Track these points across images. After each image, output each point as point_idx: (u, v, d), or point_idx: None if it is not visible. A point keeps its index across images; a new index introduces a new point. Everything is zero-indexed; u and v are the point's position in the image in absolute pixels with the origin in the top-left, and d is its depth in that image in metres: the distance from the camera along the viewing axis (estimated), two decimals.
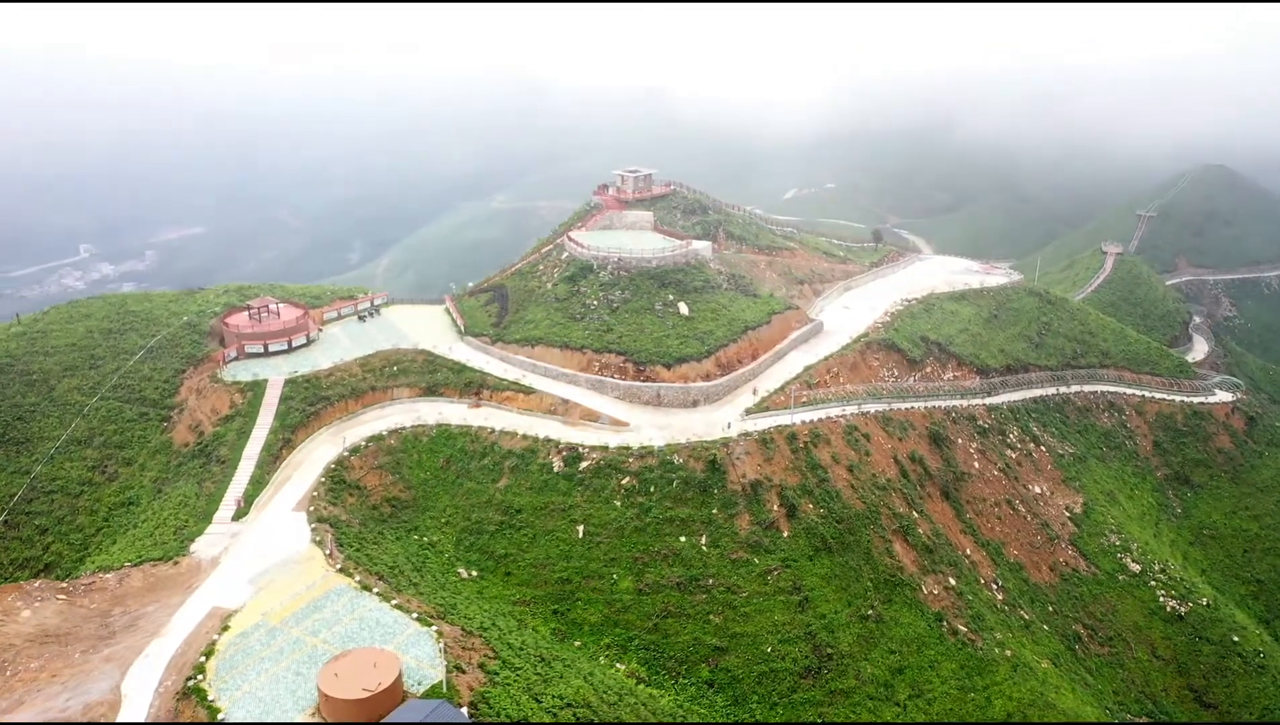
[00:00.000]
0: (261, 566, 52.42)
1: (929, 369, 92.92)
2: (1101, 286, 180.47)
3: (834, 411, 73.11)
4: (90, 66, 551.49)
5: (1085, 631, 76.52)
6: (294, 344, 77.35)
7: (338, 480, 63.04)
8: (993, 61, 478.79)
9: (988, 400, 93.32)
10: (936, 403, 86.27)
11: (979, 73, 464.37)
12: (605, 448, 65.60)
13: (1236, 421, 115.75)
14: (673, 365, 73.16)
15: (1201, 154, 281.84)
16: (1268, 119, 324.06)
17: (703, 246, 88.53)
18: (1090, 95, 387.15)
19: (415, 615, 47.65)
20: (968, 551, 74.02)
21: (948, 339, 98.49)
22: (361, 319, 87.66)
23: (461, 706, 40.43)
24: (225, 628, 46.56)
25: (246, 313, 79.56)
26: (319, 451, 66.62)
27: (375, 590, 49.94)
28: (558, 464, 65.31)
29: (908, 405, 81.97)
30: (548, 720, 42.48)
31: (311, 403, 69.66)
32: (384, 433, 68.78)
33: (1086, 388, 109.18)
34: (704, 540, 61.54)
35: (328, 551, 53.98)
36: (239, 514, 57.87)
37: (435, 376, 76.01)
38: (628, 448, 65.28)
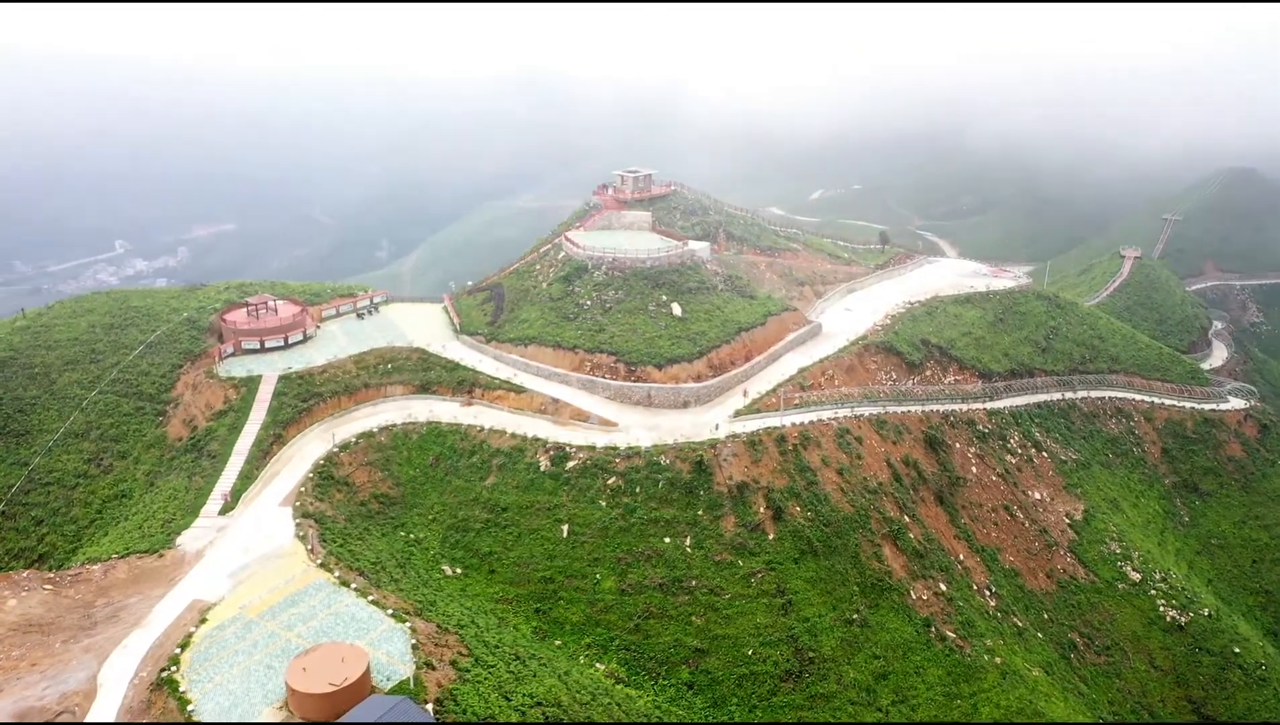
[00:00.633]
0: (243, 560, 52.95)
1: (929, 372, 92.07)
2: (1117, 291, 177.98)
3: (826, 414, 72.64)
4: (127, 69, 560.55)
5: (1081, 640, 75.45)
6: (290, 341, 78.07)
7: (326, 476, 63.52)
8: (1012, 63, 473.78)
9: (988, 404, 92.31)
10: (935, 406, 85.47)
11: (998, 74, 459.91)
12: (592, 447, 65.62)
13: (1249, 429, 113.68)
14: (664, 366, 73.05)
15: (1229, 157, 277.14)
16: None
17: (700, 247, 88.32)
18: (1113, 96, 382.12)
19: (390, 611, 47.92)
20: (961, 557, 73.23)
21: (949, 342, 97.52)
22: (360, 317, 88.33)
23: (427, 703, 40.61)
24: (203, 620, 47.09)
25: (245, 309, 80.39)
26: (310, 447, 67.18)
27: (353, 586, 50.28)
28: (544, 463, 65.42)
29: (904, 409, 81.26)
30: (515, 718, 42.54)
31: (304, 399, 70.25)
32: (375, 429, 69.24)
33: (1094, 393, 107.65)
34: (688, 542, 61.36)
35: (310, 547, 54.43)
36: (225, 508, 58.50)
37: (429, 374, 76.42)
38: (615, 448, 65.25)
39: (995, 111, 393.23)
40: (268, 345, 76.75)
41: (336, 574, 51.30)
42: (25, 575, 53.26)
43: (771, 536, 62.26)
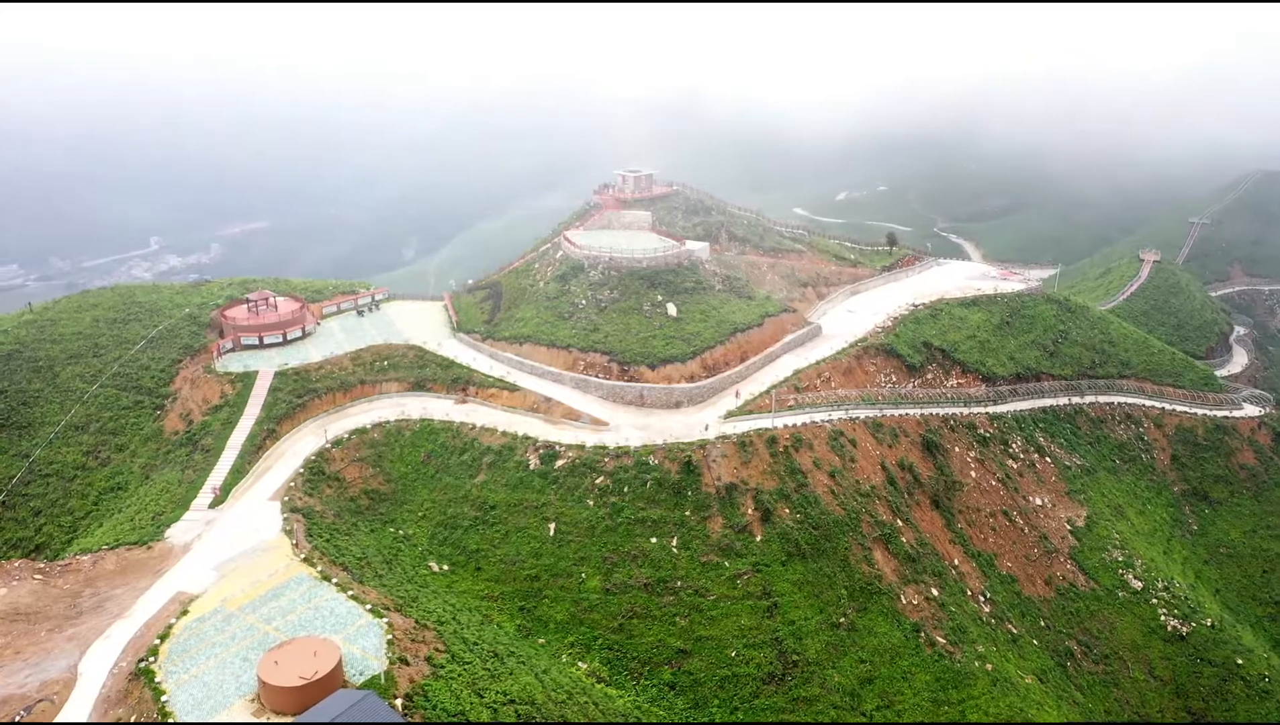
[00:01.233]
0: (229, 553, 53.53)
1: (930, 375, 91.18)
2: (1134, 294, 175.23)
3: (820, 416, 72.14)
4: (164, 69, 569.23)
5: (1079, 648, 74.37)
6: (289, 337, 78.80)
7: (316, 471, 64.03)
8: (1037, 65, 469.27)
9: (991, 408, 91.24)
10: (934, 410, 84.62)
11: (1024, 76, 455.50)
12: (582, 447, 65.65)
13: (1263, 437, 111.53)
14: (657, 366, 72.93)
15: (1259, 160, 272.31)
16: None
17: (699, 247, 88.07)
18: (1140, 99, 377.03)
19: (369, 606, 48.17)
20: (955, 562, 72.44)
21: (952, 345, 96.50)
22: (360, 314, 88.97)
23: (396, 699, 40.77)
24: (184, 612, 47.63)
25: (245, 305, 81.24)
26: (303, 443, 67.78)
27: (334, 580, 50.61)
28: (534, 461, 65.54)
29: (902, 412, 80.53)
30: (487, 715, 42.60)
31: (299, 395, 70.88)
32: (368, 426, 69.73)
33: (1102, 398, 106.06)
34: (675, 542, 61.21)
35: (295, 541, 54.87)
36: (216, 502, 59.17)
37: (424, 372, 76.83)
38: (604, 447, 65.24)
39: (1021, 113, 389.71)
40: (266, 341, 77.54)
41: (319, 568, 51.66)
42: (17, 565, 54.18)
43: (759, 538, 61.94)
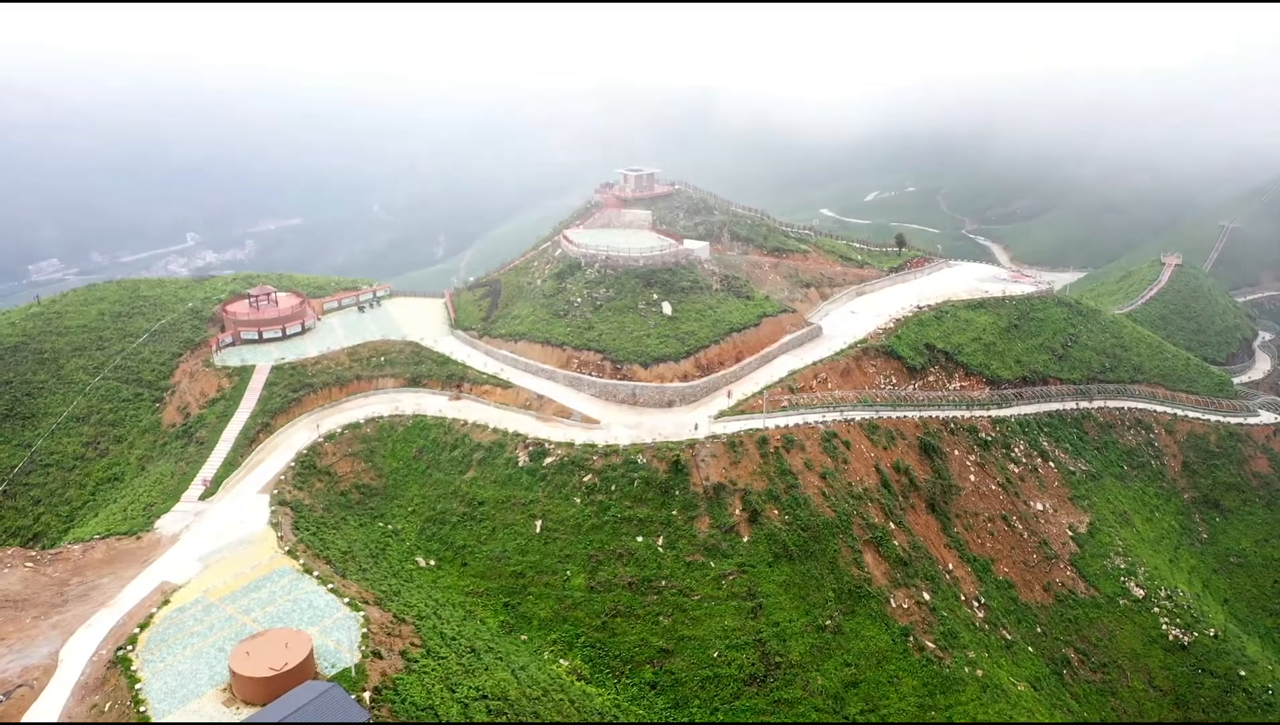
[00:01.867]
0: (215, 545, 54.14)
1: (932, 378, 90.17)
2: (1154, 298, 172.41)
3: (813, 417, 71.58)
4: (202, 69, 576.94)
5: (1076, 656, 73.25)
6: (288, 332, 79.56)
7: (307, 465, 64.57)
8: (1066, 66, 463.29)
9: (994, 412, 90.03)
10: (934, 412, 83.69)
11: (1053, 78, 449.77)
12: (571, 444, 65.65)
13: (1278, 444, 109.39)
14: (650, 365, 72.75)
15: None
16: None
17: (698, 247, 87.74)
18: (1172, 100, 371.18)
19: (347, 600, 48.52)
20: (950, 566, 71.60)
21: (956, 348, 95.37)
22: (361, 310, 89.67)
23: (365, 691, 41.00)
24: (166, 602, 48.28)
25: (246, 300, 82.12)
26: (297, 437, 68.36)
27: (316, 573, 51.02)
28: (523, 458, 65.64)
29: (899, 414, 79.72)
30: (457, 710, 42.72)
31: (295, 389, 71.52)
32: (361, 421, 70.23)
33: (1112, 403, 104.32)
34: (660, 541, 61.04)
35: (281, 534, 55.40)
36: (206, 494, 59.85)
37: (420, 368, 77.23)
38: (593, 445, 65.19)
39: (1041, 114, 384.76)
40: (265, 336, 78.32)
41: (302, 561, 52.12)
42: (10, 553, 55.17)
43: (746, 539, 61.59)
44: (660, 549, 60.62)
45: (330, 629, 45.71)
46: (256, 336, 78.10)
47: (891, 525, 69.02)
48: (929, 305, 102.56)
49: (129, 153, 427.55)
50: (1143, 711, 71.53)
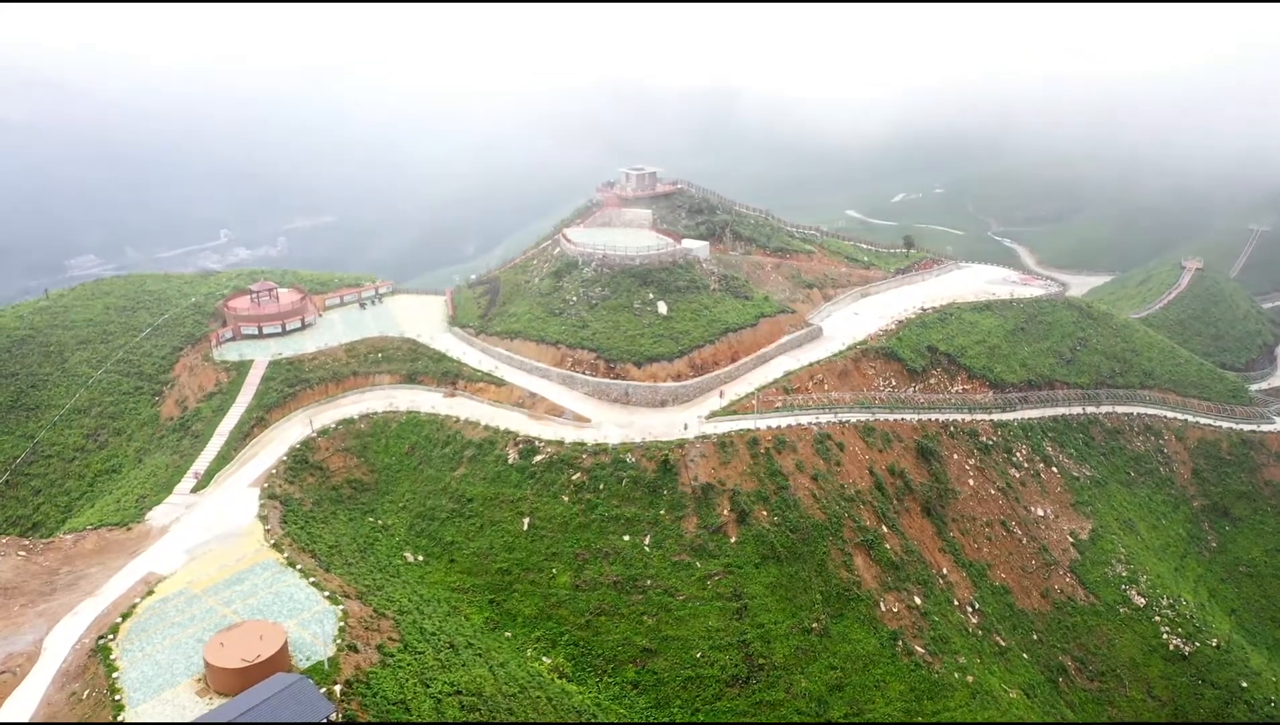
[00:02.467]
0: (203, 537, 54.73)
1: (933, 381, 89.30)
2: (1171, 303, 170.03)
3: (807, 418, 71.13)
4: (250, 71, 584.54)
5: (1073, 664, 72.27)
6: (288, 327, 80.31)
7: (300, 460, 65.12)
8: (1095, 68, 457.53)
9: (996, 416, 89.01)
10: (934, 415, 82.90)
11: (1082, 79, 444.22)
12: (561, 442, 65.73)
13: None
14: (643, 364, 72.65)
15: None
16: None
17: (697, 246, 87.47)
18: (1201, 102, 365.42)
19: (328, 593, 48.78)
20: (944, 571, 70.85)
21: (959, 350, 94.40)
22: (362, 306, 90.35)
23: (336, 685, 41.23)
24: (150, 592, 48.83)
25: (249, 296, 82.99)
26: (291, 432, 68.93)
27: (299, 567, 51.37)
28: (513, 456, 65.80)
29: (897, 416, 79.03)
30: (429, 705, 42.86)
31: (291, 385, 72.16)
32: (355, 417, 70.72)
33: (1120, 408, 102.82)
34: (647, 541, 60.95)
35: (268, 527, 55.88)
36: (198, 487, 60.54)
37: (416, 365, 77.68)
38: (582, 444, 65.23)
39: (1074, 118, 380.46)
40: (265, 331, 79.12)
41: (286, 555, 52.50)
42: (4, 542, 56.09)
43: (733, 539, 61.34)
44: (647, 548, 60.54)
45: (308, 622, 45.98)
46: (256, 332, 78.93)
47: (884, 528, 68.41)
48: (933, 307, 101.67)
49: (168, 151, 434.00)
50: (1139, 721, 70.44)
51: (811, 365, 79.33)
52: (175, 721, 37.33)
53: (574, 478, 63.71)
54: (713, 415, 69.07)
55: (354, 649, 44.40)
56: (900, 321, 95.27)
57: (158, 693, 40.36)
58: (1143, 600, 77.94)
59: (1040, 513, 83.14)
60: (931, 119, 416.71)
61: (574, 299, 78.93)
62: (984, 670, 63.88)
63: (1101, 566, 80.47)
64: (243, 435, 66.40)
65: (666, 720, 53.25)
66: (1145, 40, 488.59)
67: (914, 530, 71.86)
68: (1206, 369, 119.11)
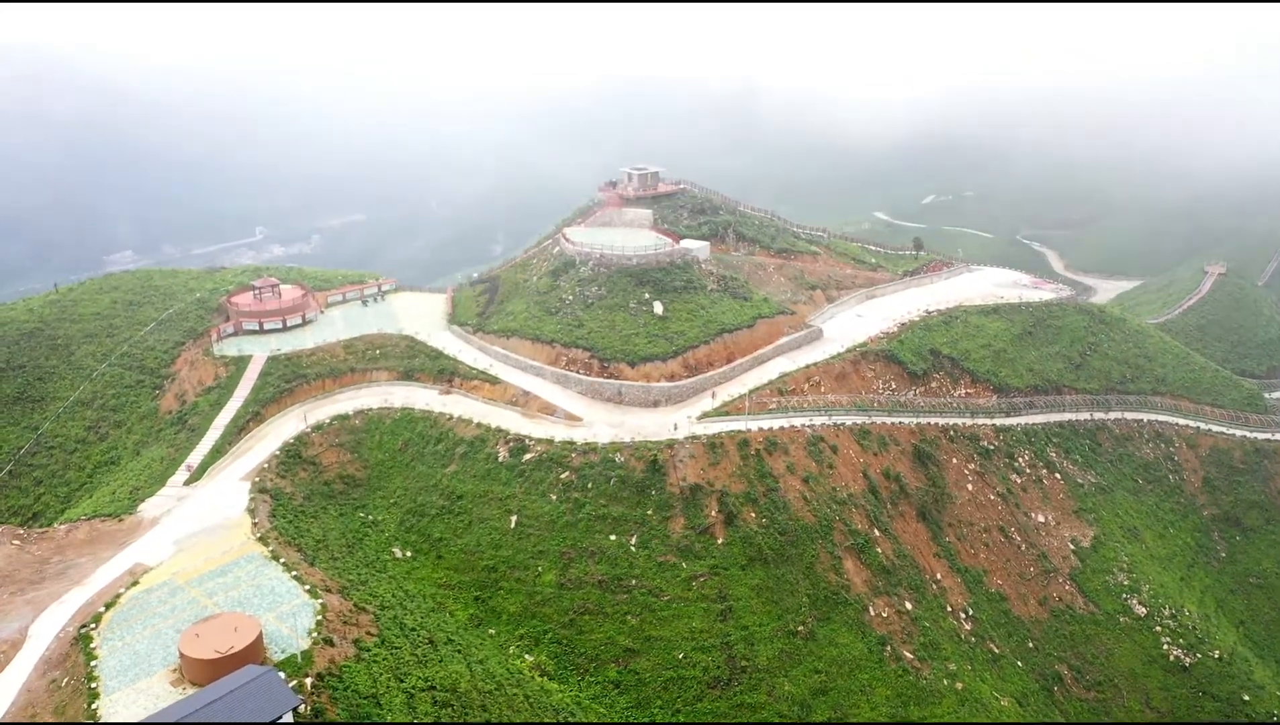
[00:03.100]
0: (192, 529, 55.47)
1: (934, 384, 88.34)
2: (1191, 308, 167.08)
3: (800, 420, 70.69)
4: (276, 70, 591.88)
5: (1070, 673, 71.19)
6: (289, 323, 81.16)
7: (293, 454, 65.76)
8: (1127, 69, 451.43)
9: (998, 420, 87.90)
10: (933, 419, 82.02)
11: (1115, 80, 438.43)
12: (551, 441, 65.84)
13: None
14: (637, 363, 72.56)
15: None
16: None
17: (697, 246, 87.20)
18: (1232, 103, 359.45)
19: (309, 587, 49.20)
20: (938, 576, 70.10)
21: (963, 354, 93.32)
22: (364, 304, 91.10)
23: (308, 677, 41.56)
24: (135, 583, 49.54)
25: (251, 292, 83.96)
26: (286, 427, 69.64)
27: (283, 560, 51.87)
28: (503, 454, 66.02)
29: (894, 420, 78.30)
30: (401, 699, 43.09)
31: (288, 380, 72.91)
32: (350, 413, 71.31)
33: (1130, 415, 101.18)
34: (634, 540, 60.87)
35: (256, 520, 56.49)
36: (191, 479, 61.32)
37: (413, 362, 78.18)
38: (572, 443, 65.29)
39: (1097, 122, 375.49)
40: (266, 327, 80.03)
41: (271, 548, 53.05)
42: (0, 530, 57.21)
43: (720, 541, 61.09)
44: (633, 548, 60.46)
45: (286, 615, 46.42)
46: (257, 327, 79.87)
47: (876, 532, 67.81)
48: (939, 310, 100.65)
49: (208, 150, 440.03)
50: None
51: (808, 367, 78.81)
52: (127, 722, 37.67)
53: (562, 476, 63.79)
54: (704, 416, 68.86)
55: (329, 642, 44.74)
56: (903, 324, 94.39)
57: (133, 682, 40.94)
58: (1144, 610, 76.66)
59: (1041, 519, 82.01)
60: (966, 120, 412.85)
61: (570, 298, 79.08)
62: (974, 677, 63.10)
63: (1103, 575, 79.22)
64: (238, 429, 67.19)
65: (646, 720, 53.11)
66: (1178, 43, 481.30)
67: (908, 535, 71.17)
68: (1222, 376, 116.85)
